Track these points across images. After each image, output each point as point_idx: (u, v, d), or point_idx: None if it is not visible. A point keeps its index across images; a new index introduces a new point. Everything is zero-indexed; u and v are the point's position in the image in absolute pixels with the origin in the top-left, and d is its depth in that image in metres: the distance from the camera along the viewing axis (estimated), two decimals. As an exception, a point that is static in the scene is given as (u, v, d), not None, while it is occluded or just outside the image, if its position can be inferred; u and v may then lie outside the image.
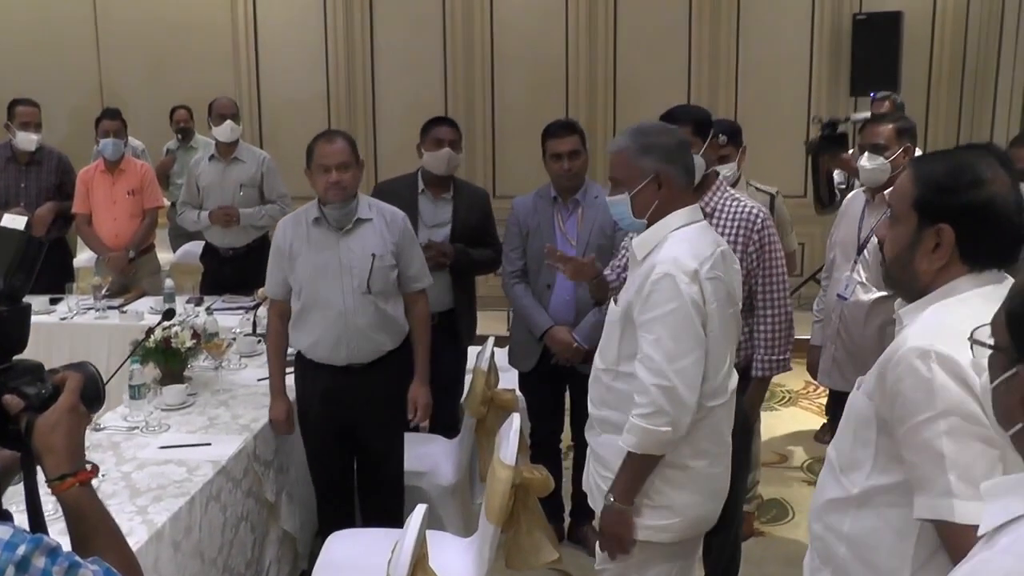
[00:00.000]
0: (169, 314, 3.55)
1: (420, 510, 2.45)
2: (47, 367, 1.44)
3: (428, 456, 3.92)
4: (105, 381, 1.53)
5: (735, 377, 2.61)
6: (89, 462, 1.45)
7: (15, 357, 1.42)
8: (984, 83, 6.58)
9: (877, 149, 3.61)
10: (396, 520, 3.60)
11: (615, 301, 2.55)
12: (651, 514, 2.48)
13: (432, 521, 3.73)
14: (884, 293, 3.52)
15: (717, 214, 3.15)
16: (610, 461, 2.51)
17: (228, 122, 5.29)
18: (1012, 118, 6.08)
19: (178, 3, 7.78)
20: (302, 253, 3.46)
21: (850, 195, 3.91)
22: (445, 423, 4.40)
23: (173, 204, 6.08)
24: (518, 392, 4.03)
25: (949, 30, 7.10)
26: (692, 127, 3.09)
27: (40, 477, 1.39)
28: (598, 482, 2.59)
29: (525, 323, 3.98)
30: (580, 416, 4.14)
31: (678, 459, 2.45)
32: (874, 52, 6.85)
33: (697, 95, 7.45)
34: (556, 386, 4.08)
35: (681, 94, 7.41)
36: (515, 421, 3.02)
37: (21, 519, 1.41)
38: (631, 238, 2.59)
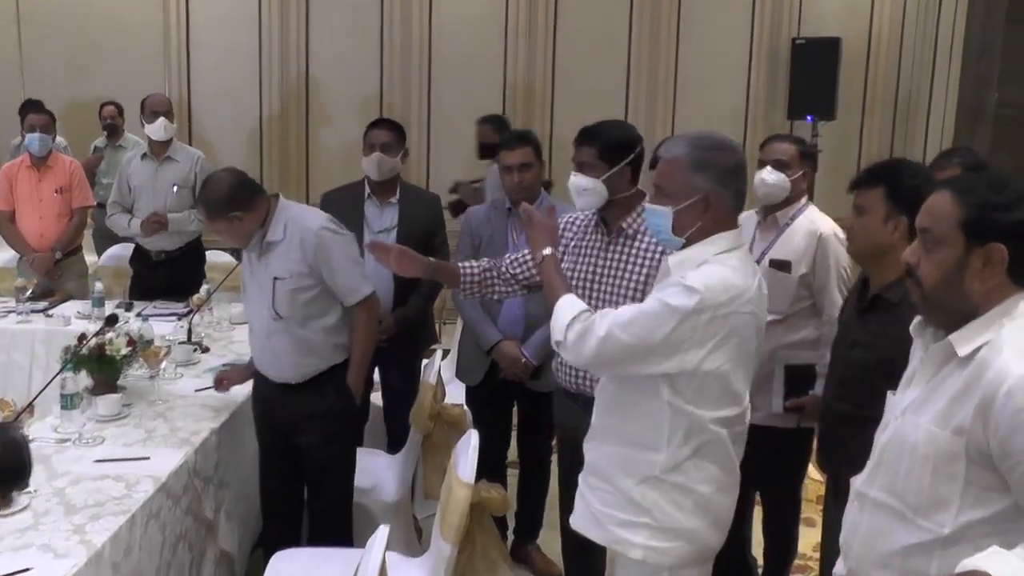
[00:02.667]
0: (112, 319, 3.36)
1: (383, 532, 2.34)
2: None
3: (370, 472, 3.79)
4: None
5: (749, 410, 2.49)
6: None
7: None
8: (917, 110, 6.74)
9: (780, 165, 3.52)
10: (345, 538, 3.50)
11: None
12: (653, 535, 2.37)
13: (375, 539, 3.64)
14: (775, 317, 3.44)
15: (640, 236, 3.00)
16: (609, 475, 2.41)
17: (161, 119, 5.06)
18: (944, 143, 6.22)
19: (108, -4, 7.52)
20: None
21: (744, 215, 3.89)
22: (398, 438, 4.28)
23: (99, 205, 5.82)
24: (466, 407, 3.94)
25: (883, 57, 7.27)
26: (598, 147, 3.00)
27: None
28: (585, 494, 2.49)
29: (473, 336, 3.90)
30: (528, 432, 4.09)
31: (689, 483, 2.35)
32: (812, 77, 6.95)
33: (635, 108, 7.50)
34: (504, 401, 4.00)
35: (619, 106, 7.44)
36: (473, 438, 2.93)
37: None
38: (667, 253, 2.46)
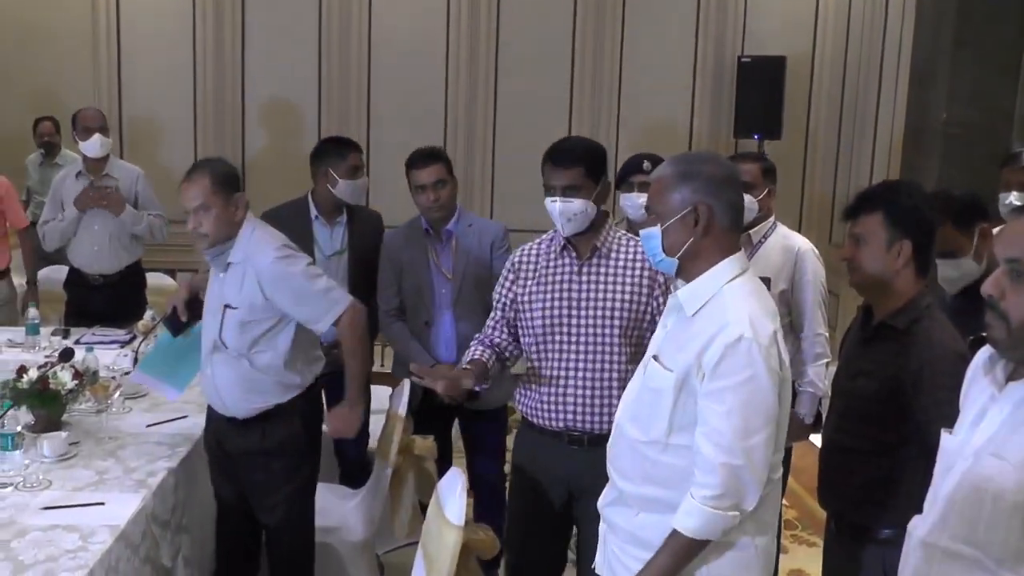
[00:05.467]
0: (67, 355, 3.10)
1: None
2: None
3: (335, 510, 3.59)
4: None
5: None
6: None
7: None
8: (863, 130, 6.76)
9: (745, 187, 3.38)
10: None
11: (659, 363, 2.23)
12: None
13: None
14: None
15: (614, 255, 2.92)
16: (659, 545, 2.21)
17: (96, 135, 4.77)
18: (892, 163, 6.24)
19: (33, 4, 7.12)
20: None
21: None
22: (350, 470, 4.07)
23: (33, 223, 5.49)
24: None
25: (827, 76, 7.29)
26: (584, 167, 2.86)
27: None
28: (632, 566, 2.29)
29: (406, 362, 3.74)
30: (478, 456, 3.90)
31: (742, 537, 2.20)
32: (758, 95, 6.94)
33: (578, 127, 7.37)
34: (442, 423, 3.84)
35: (562, 125, 7.32)
36: (460, 477, 2.75)
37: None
38: (674, 287, 2.30)
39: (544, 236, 3.04)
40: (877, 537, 2.42)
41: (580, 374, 2.88)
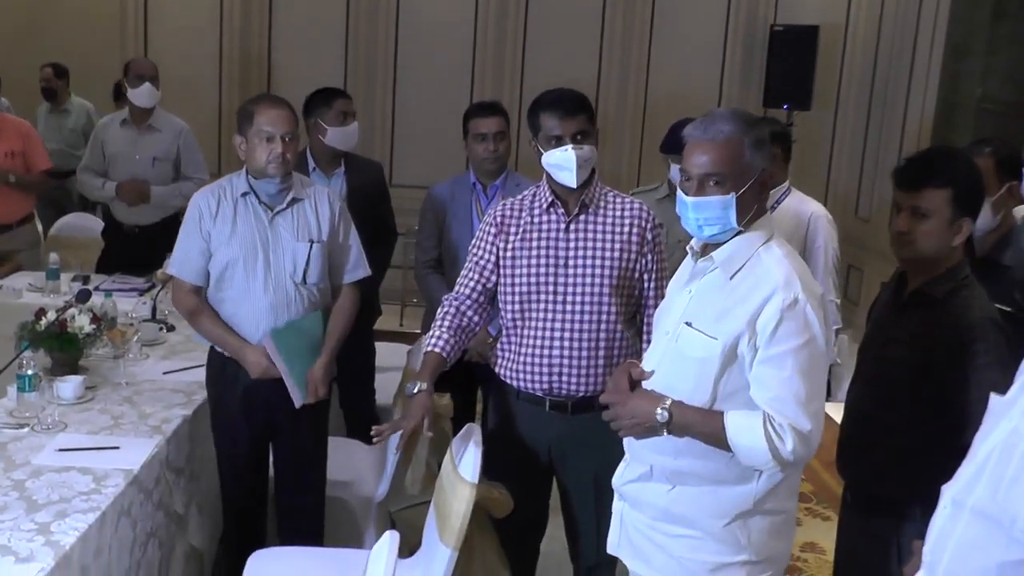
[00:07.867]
0: (84, 296, 3.09)
1: (393, 538, 2.14)
2: None
3: (350, 465, 3.58)
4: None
5: None
6: None
7: None
8: (894, 102, 6.64)
9: None
10: (316, 536, 3.27)
11: (695, 330, 2.14)
12: (754, 569, 2.19)
13: (352, 535, 3.44)
14: None
15: (602, 211, 2.82)
16: (695, 518, 2.18)
17: (147, 85, 4.75)
18: (922, 137, 6.14)
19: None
20: (224, 232, 3.04)
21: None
22: (356, 424, 4.06)
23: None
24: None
25: (860, 46, 7.17)
26: (587, 113, 2.80)
27: None
28: (663, 542, 2.25)
29: None
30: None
31: (780, 504, 2.17)
32: (789, 65, 6.83)
33: (606, 91, 7.30)
34: (466, 385, 3.78)
35: (590, 89, 7.22)
36: (474, 432, 2.74)
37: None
38: (690, 249, 2.25)
39: (525, 192, 2.92)
40: (893, 510, 2.38)
41: (567, 334, 2.77)
